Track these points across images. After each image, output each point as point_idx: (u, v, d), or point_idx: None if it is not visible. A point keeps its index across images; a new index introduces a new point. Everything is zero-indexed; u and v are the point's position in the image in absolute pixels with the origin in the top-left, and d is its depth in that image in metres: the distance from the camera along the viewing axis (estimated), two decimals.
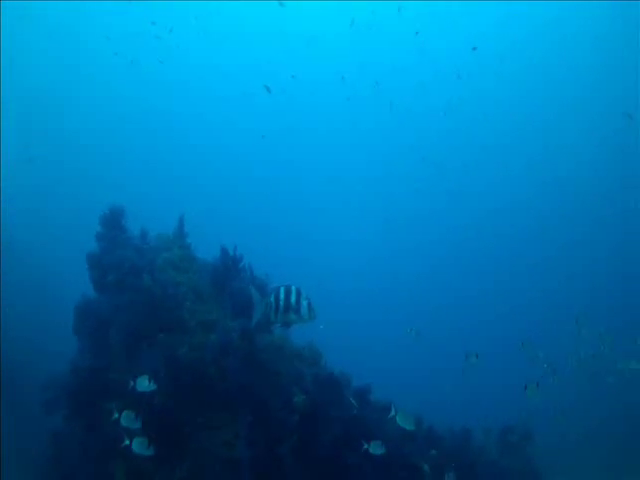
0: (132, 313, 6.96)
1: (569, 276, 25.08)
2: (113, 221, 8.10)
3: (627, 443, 13.04)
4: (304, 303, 4.85)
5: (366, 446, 6.96)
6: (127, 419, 6.25)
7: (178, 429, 6.96)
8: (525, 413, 10.20)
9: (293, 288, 4.88)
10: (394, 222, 31.08)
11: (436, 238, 30.11)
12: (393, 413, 7.24)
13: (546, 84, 27.39)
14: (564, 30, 25.00)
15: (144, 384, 6.39)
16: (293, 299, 4.83)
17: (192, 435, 6.98)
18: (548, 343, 10.62)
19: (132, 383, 6.36)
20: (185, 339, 7.02)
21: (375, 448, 7.05)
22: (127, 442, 6.15)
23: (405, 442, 8.34)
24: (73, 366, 7.25)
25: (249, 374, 6.90)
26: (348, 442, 7.42)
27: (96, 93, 29.61)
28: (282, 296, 4.83)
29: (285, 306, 4.83)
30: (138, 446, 6.19)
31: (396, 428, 8.28)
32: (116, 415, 6.23)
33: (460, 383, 13.59)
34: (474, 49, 22.98)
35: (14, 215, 15.57)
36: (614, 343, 10.83)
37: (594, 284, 24.39)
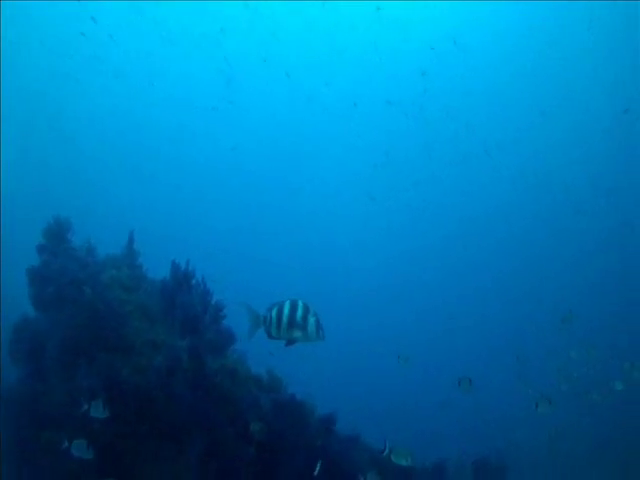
0: (70, 328, 6.26)
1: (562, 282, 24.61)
2: (58, 233, 7.44)
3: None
4: (311, 320, 4.32)
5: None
6: (78, 448, 5.63)
7: (120, 459, 6.23)
8: (506, 443, 9.69)
9: (300, 302, 4.36)
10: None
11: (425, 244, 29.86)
12: (387, 451, 6.66)
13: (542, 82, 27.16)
14: (562, 30, 24.93)
15: (99, 410, 5.75)
16: (299, 315, 4.31)
17: (136, 467, 6.24)
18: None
19: (85, 407, 5.70)
20: (129, 360, 6.34)
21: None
22: None
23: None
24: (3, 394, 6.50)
25: (199, 399, 6.22)
26: (311, 475, 6.75)
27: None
28: (287, 311, 4.31)
29: (289, 321, 4.31)
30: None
31: (363, 460, 7.67)
32: (66, 444, 5.58)
33: (441, 412, 13.12)
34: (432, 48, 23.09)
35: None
36: (601, 360, 10.49)
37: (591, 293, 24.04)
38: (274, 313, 4.34)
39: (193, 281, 6.92)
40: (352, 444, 7.78)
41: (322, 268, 28.75)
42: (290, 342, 4.43)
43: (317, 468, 6.43)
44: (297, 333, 4.34)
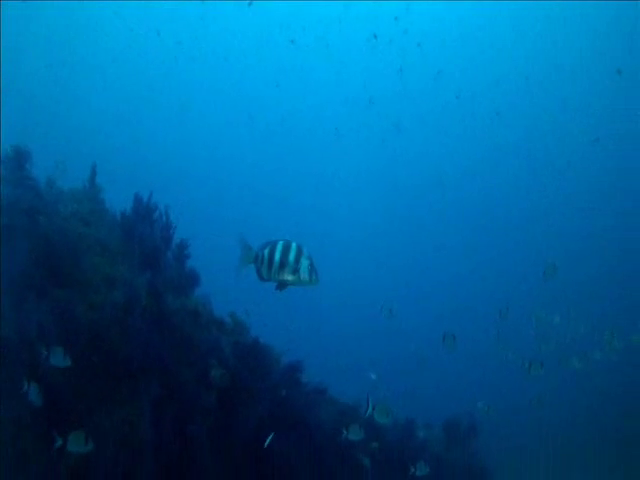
0: (21, 259, 5.84)
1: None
2: (16, 163, 6.96)
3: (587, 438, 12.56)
4: (305, 262, 4.02)
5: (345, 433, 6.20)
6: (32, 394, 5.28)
7: (71, 403, 5.88)
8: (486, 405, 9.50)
9: (293, 244, 4.04)
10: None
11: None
12: (370, 410, 6.42)
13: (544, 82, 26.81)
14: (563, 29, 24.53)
15: (59, 357, 5.40)
16: (292, 256, 4.00)
17: (87, 411, 5.90)
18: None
19: (45, 353, 5.35)
20: (85, 296, 5.95)
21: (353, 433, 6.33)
22: None
23: (341, 431, 7.40)
24: None
25: (156, 339, 5.86)
26: (274, 426, 6.47)
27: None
28: (279, 251, 4.00)
29: (281, 262, 4.00)
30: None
31: (330, 413, 7.40)
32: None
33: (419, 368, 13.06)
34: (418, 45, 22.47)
35: None
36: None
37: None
38: (266, 252, 4.03)
39: (156, 214, 6.50)
40: (319, 396, 7.51)
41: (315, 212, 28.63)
42: (281, 285, 4.12)
43: (267, 441, 6.14)
44: (289, 276, 4.04)
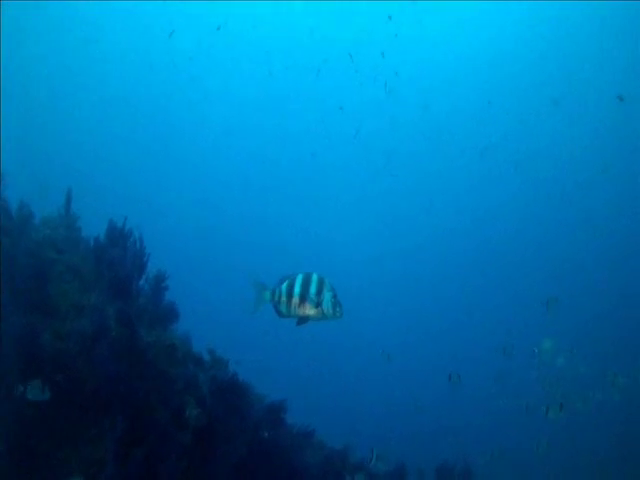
0: None
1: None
2: None
3: None
4: (328, 295, 3.74)
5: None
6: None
7: (33, 439, 5.37)
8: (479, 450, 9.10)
9: (314, 276, 3.77)
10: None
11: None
12: (374, 460, 6.09)
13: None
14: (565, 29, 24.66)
15: (37, 392, 4.99)
16: (313, 289, 3.72)
17: (51, 449, 5.39)
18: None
19: (21, 388, 4.98)
20: (51, 323, 5.51)
21: None
22: None
23: (329, 478, 6.92)
24: None
25: (127, 373, 5.40)
26: (255, 469, 5.96)
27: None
28: (298, 284, 3.74)
29: (301, 296, 3.73)
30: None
31: (316, 457, 6.90)
32: None
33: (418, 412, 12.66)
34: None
35: None
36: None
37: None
38: (284, 287, 3.77)
39: (130, 241, 6.11)
40: (305, 439, 7.01)
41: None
42: (302, 321, 3.83)
43: None
44: (311, 310, 3.77)
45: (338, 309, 3.79)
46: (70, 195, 6.87)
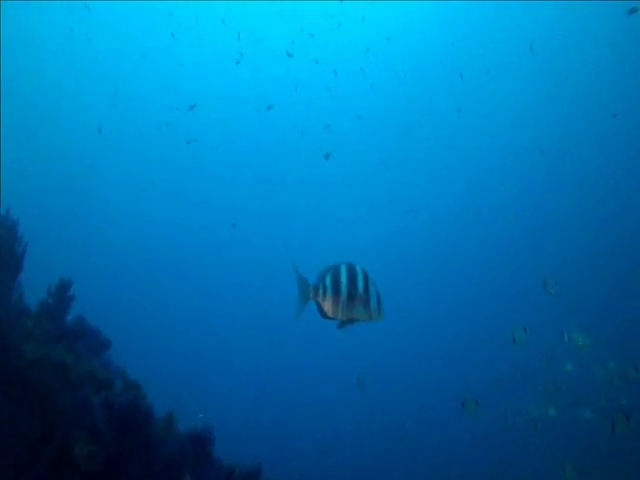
0: None
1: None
2: None
3: None
4: (373, 291, 3.03)
5: None
6: None
7: None
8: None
9: (358, 268, 3.04)
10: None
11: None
12: None
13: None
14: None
15: None
16: (361, 284, 3.00)
17: None
18: None
19: None
20: None
21: None
22: None
23: None
24: None
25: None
26: None
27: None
28: (344, 278, 2.99)
29: (349, 294, 2.99)
30: None
31: None
32: None
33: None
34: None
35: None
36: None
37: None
38: (329, 282, 3.02)
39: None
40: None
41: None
42: (346, 323, 3.04)
43: None
44: (359, 309, 3.02)
45: (381, 309, 3.06)
46: None
